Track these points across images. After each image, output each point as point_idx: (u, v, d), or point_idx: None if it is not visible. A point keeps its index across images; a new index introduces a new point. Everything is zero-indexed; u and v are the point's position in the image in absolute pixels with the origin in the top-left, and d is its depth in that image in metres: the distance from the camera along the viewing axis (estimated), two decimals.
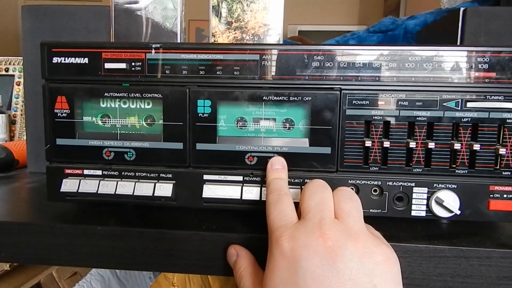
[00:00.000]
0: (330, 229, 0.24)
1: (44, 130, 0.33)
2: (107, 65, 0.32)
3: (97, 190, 0.32)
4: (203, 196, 0.32)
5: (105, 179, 0.33)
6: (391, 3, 2.76)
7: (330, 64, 0.31)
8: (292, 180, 0.32)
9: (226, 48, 0.31)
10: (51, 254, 0.33)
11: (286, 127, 0.32)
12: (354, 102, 0.31)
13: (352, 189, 0.32)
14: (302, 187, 0.31)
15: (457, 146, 0.30)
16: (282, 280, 0.24)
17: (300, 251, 0.24)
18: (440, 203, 0.31)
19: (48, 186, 0.34)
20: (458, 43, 0.43)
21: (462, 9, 0.44)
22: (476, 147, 0.30)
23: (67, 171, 0.33)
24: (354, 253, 0.23)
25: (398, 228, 0.32)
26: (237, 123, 0.32)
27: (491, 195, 0.31)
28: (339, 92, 0.31)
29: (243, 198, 0.32)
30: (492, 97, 0.30)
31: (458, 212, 0.30)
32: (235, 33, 0.35)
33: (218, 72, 0.31)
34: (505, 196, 0.31)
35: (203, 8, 0.35)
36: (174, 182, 0.33)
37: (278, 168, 0.31)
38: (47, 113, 0.33)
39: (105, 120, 0.33)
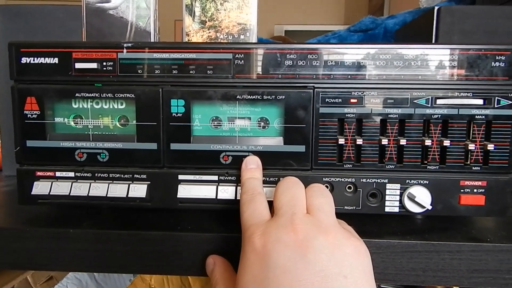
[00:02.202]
0: (301, 223, 0.25)
1: (14, 132, 0.32)
2: (78, 65, 0.31)
3: (70, 193, 0.32)
4: (178, 196, 0.32)
5: (78, 181, 0.32)
6: (375, 3, 2.79)
7: (303, 62, 0.31)
8: (268, 179, 0.32)
9: (199, 47, 0.31)
10: (24, 258, 0.32)
11: (261, 126, 0.32)
12: (327, 100, 0.31)
13: (327, 186, 0.32)
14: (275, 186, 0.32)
15: (428, 142, 0.31)
16: (254, 276, 0.24)
17: (271, 246, 0.24)
18: (412, 198, 0.31)
19: (19, 189, 0.33)
20: (433, 42, 0.44)
21: (436, 8, 0.45)
22: (446, 143, 0.31)
23: (38, 173, 0.33)
24: (325, 245, 0.23)
25: (373, 224, 0.33)
26: (212, 123, 0.32)
27: (462, 190, 0.31)
28: (312, 90, 0.31)
29: (218, 197, 0.32)
30: (461, 94, 0.31)
31: (430, 207, 0.31)
32: (209, 32, 0.35)
33: (191, 72, 0.31)
34: (475, 190, 0.31)
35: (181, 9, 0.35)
36: (149, 183, 0.32)
37: (252, 168, 0.31)
38: (16, 115, 0.32)
39: (77, 121, 0.32)
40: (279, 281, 0.22)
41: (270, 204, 0.28)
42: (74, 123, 0.33)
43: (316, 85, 0.31)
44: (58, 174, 0.33)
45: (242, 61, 0.31)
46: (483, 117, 0.31)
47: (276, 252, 0.23)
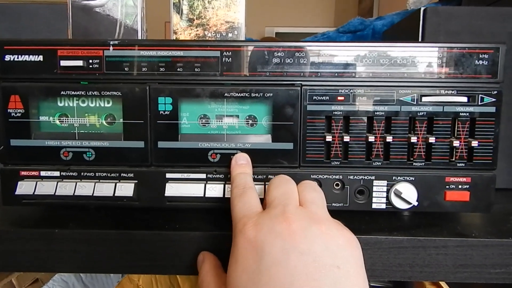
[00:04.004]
0: (294, 214, 0.24)
1: None
2: (63, 63, 0.31)
3: (55, 192, 0.31)
4: (166, 195, 0.32)
5: (63, 180, 0.32)
6: (365, 5, 2.82)
7: (291, 60, 0.31)
8: (256, 176, 0.32)
9: (186, 45, 0.31)
10: (8, 260, 0.32)
11: (249, 124, 0.32)
12: (314, 97, 0.31)
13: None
14: (266, 183, 0.32)
15: (413, 139, 0.31)
16: (246, 267, 0.23)
17: (264, 236, 0.23)
18: (398, 195, 0.31)
19: (3, 190, 0.32)
20: (417, 41, 0.45)
21: (422, 8, 0.46)
22: (432, 140, 0.31)
23: (23, 173, 0.32)
24: (318, 235, 0.23)
25: (360, 221, 0.33)
26: (200, 121, 0.32)
27: (447, 186, 0.32)
28: (299, 88, 0.31)
29: (206, 195, 0.31)
30: (446, 91, 0.31)
31: (416, 204, 0.31)
32: (197, 30, 0.35)
33: (178, 69, 0.31)
34: (460, 187, 0.32)
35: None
36: (136, 181, 0.32)
37: (242, 163, 0.31)
38: (0, 113, 0.31)
39: (63, 119, 0.32)
40: (272, 272, 0.22)
41: (261, 201, 0.28)
42: (60, 121, 0.32)
43: (303, 83, 0.31)
44: (43, 173, 0.32)
45: (230, 58, 0.31)
46: (467, 114, 0.31)
47: (269, 242, 0.23)
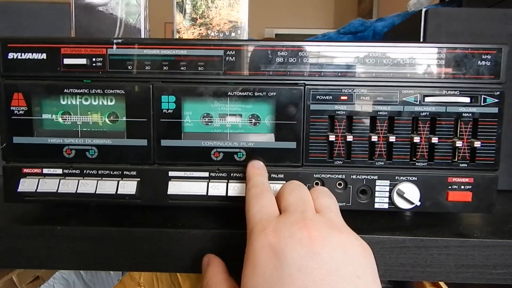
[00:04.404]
0: (313, 220, 0.24)
1: (0, 128, 0.32)
2: (67, 61, 0.31)
3: (57, 190, 0.31)
4: (168, 193, 0.32)
5: (66, 178, 0.32)
6: (364, 7, 2.83)
7: (294, 60, 0.31)
8: None
9: (190, 44, 0.31)
10: (9, 257, 0.32)
11: (252, 123, 0.32)
12: (318, 97, 0.31)
13: (317, 183, 0.32)
14: (269, 182, 0.32)
15: (416, 139, 0.31)
16: (265, 274, 0.22)
17: (285, 243, 0.23)
18: (401, 195, 0.31)
19: (5, 187, 0.32)
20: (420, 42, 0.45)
21: (424, 10, 0.46)
22: (435, 140, 0.31)
23: (25, 170, 0.32)
24: (339, 243, 0.23)
25: (362, 220, 0.33)
26: (203, 119, 0.32)
27: (449, 187, 0.32)
28: (303, 87, 0.31)
29: (209, 194, 0.31)
30: (449, 92, 0.31)
31: (419, 204, 0.31)
32: (200, 30, 0.35)
33: (182, 68, 0.31)
34: (462, 187, 0.32)
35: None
36: (139, 179, 0.32)
37: (260, 167, 0.31)
38: (2, 111, 0.31)
39: (66, 117, 0.32)
40: (294, 279, 0.21)
41: None
42: (62, 119, 0.32)
43: (307, 82, 0.31)
44: (45, 171, 0.32)
45: (234, 58, 0.31)
46: (470, 115, 0.31)
47: (290, 249, 0.22)
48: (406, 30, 0.54)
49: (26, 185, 0.31)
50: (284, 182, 0.32)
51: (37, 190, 0.31)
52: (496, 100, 0.31)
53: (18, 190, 0.31)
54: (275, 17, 3.15)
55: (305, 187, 0.29)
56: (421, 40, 0.45)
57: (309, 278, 0.21)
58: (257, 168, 0.31)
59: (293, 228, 0.23)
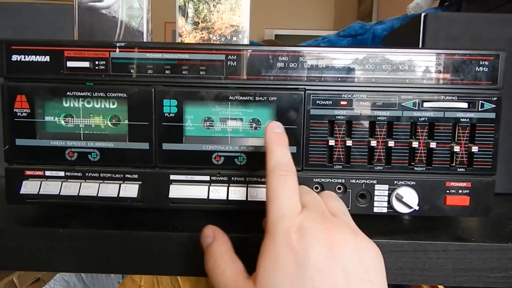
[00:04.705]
0: (335, 223, 0.24)
1: (3, 130, 0.32)
2: (70, 64, 0.31)
3: (60, 192, 0.32)
4: (169, 196, 0.32)
5: (68, 180, 0.32)
6: (364, 9, 2.84)
7: (295, 65, 0.31)
8: (259, 179, 0.32)
9: (192, 48, 0.31)
10: (11, 259, 0.32)
11: (253, 127, 0.32)
12: (318, 102, 0.32)
13: (317, 187, 0.32)
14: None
15: (415, 144, 0.31)
16: (286, 272, 0.22)
17: (309, 244, 0.23)
18: (400, 199, 0.32)
19: (7, 189, 0.32)
20: (420, 47, 0.45)
21: (423, 14, 0.47)
22: (433, 145, 0.31)
23: (28, 172, 0.32)
24: (356, 248, 0.23)
25: (361, 224, 0.33)
26: (204, 123, 0.32)
27: (447, 191, 0.32)
28: (303, 92, 0.32)
29: (210, 197, 0.32)
30: (447, 97, 0.32)
31: (417, 208, 0.32)
32: (202, 34, 0.35)
33: (184, 72, 0.31)
34: (460, 191, 0.32)
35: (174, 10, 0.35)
36: (140, 182, 0.32)
37: (279, 132, 0.27)
38: (5, 113, 0.32)
39: (68, 120, 0.32)
40: (316, 281, 0.22)
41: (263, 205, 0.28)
42: (65, 122, 0.32)
43: (307, 87, 0.32)
44: (47, 173, 0.32)
45: (235, 62, 0.31)
46: (468, 120, 0.32)
47: (313, 251, 0.23)
48: (405, 34, 0.54)
49: (29, 187, 0.32)
50: None
51: (39, 192, 0.32)
52: (494, 106, 0.32)
53: (21, 192, 0.32)
54: (275, 18, 3.15)
55: (314, 191, 0.29)
56: (420, 44, 0.46)
57: (329, 280, 0.22)
58: (277, 134, 0.27)
59: (316, 229, 0.23)
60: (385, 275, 0.24)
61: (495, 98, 0.31)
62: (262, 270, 0.23)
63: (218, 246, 0.27)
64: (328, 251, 0.23)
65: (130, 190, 0.32)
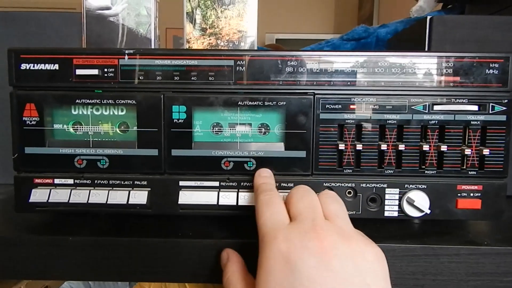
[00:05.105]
0: (324, 229, 0.24)
1: (12, 138, 0.32)
2: (79, 71, 0.31)
3: (69, 200, 0.31)
4: (179, 202, 0.32)
5: (77, 188, 0.32)
6: (364, 12, 2.85)
7: (303, 69, 0.31)
8: None
9: (201, 54, 0.31)
10: (20, 267, 0.32)
11: (262, 132, 0.32)
12: (327, 106, 0.32)
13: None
14: (279, 191, 0.32)
15: (425, 147, 0.31)
16: (278, 282, 0.23)
17: (297, 252, 0.23)
18: (411, 203, 0.32)
19: (16, 197, 0.32)
20: (426, 50, 0.45)
21: (428, 17, 0.47)
22: (443, 148, 0.31)
23: (37, 180, 0.32)
24: (348, 253, 0.23)
25: (372, 229, 0.33)
26: (213, 129, 0.32)
27: (459, 194, 0.32)
28: (312, 96, 0.31)
29: (219, 203, 0.32)
30: (457, 100, 0.32)
31: (428, 212, 0.31)
32: (210, 39, 0.35)
33: (193, 78, 0.31)
34: (471, 195, 0.32)
35: (180, 16, 0.35)
36: (149, 189, 0.32)
37: (266, 176, 0.31)
38: (14, 121, 0.32)
39: (77, 127, 0.32)
40: None
41: None
42: (74, 129, 0.32)
43: (316, 92, 0.31)
44: (56, 181, 0.32)
45: (244, 67, 0.31)
46: (478, 122, 0.31)
47: (302, 259, 0.23)
48: (410, 37, 0.54)
49: (38, 195, 0.32)
50: None
51: (49, 200, 0.31)
52: (504, 108, 0.31)
53: (30, 200, 0.32)
54: (276, 22, 3.17)
55: (313, 192, 0.29)
56: (426, 47, 0.46)
57: (320, 286, 0.22)
58: (263, 177, 0.31)
59: (304, 237, 0.24)
60: (386, 276, 0.24)
61: (506, 101, 0.31)
62: (258, 283, 0.24)
63: (231, 265, 0.29)
64: (317, 259, 0.23)
65: (139, 197, 0.32)
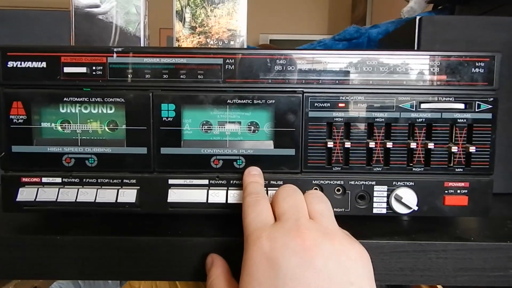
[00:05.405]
0: (307, 228, 0.24)
1: None
2: (67, 69, 0.31)
3: (57, 199, 0.31)
4: (168, 201, 0.32)
5: (65, 186, 0.32)
6: (358, 13, 2.86)
7: (292, 68, 0.31)
8: None
9: (190, 52, 0.31)
10: (9, 267, 0.31)
11: (251, 130, 0.32)
12: (316, 104, 0.32)
13: (316, 189, 0.32)
14: (268, 188, 0.32)
15: (413, 145, 0.32)
16: (261, 282, 0.23)
17: (279, 251, 0.23)
18: (399, 200, 0.32)
19: (3, 196, 0.32)
20: (415, 50, 0.46)
21: (418, 18, 0.47)
22: (431, 146, 0.32)
23: (24, 179, 0.32)
24: (332, 252, 0.24)
25: (361, 226, 0.33)
26: (202, 127, 0.32)
27: (446, 191, 0.32)
28: (301, 95, 0.32)
29: (209, 201, 0.32)
30: (444, 98, 0.32)
31: (416, 208, 0.32)
32: (199, 38, 0.35)
33: (181, 76, 0.31)
34: (458, 191, 0.32)
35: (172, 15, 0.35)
36: (138, 187, 0.32)
37: (255, 174, 0.31)
38: (1, 120, 0.31)
39: (65, 126, 0.32)
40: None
41: None
42: (62, 128, 0.32)
43: (305, 90, 0.32)
44: (44, 180, 0.32)
45: (233, 66, 0.31)
46: (465, 120, 0.32)
47: (284, 258, 0.23)
48: (400, 37, 0.55)
49: (25, 194, 0.31)
50: None
51: (36, 199, 0.31)
52: (490, 106, 0.32)
53: (17, 199, 0.31)
54: (270, 23, 3.17)
55: (299, 191, 0.29)
56: (416, 47, 0.46)
57: (303, 285, 0.22)
58: (253, 175, 0.31)
59: (287, 237, 0.24)
60: (370, 274, 0.24)
61: (492, 99, 0.32)
62: (242, 282, 0.24)
63: (215, 270, 0.29)
64: (300, 258, 0.23)
65: (128, 195, 0.32)
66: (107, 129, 0.32)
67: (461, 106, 0.32)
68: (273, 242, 0.24)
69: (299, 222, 0.25)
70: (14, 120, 0.32)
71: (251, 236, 0.25)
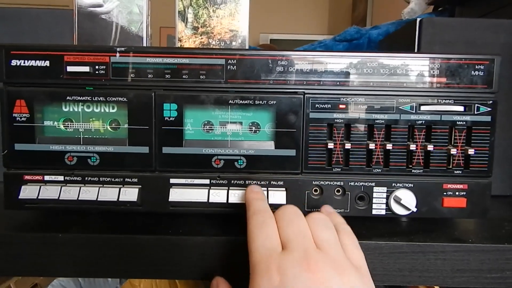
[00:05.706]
0: (316, 260, 0.24)
1: (2, 135, 0.32)
2: (70, 68, 0.31)
3: (59, 197, 0.31)
4: (169, 200, 0.32)
5: (67, 184, 0.32)
6: (358, 14, 2.86)
7: (294, 69, 0.32)
8: (258, 182, 0.33)
9: (192, 52, 0.32)
10: (8, 265, 0.32)
11: (252, 130, 0.33)
12: (317, 105, 0.32)
13: (316, 190, 0.33)
14: (269, 189, 0.32)
15: (412, 147, 0.32)
16: None
17: (290, 284, 0.23)
18: (398, 201, 0.32)
19: (6, 194, 0.32)
20: (416, 51, 0.46)
21: (418, 19, 0.47)
22: (430, 148, 0.32)
23: (26, 177, 0.32)
24: (340, 285, 0.24)
25: (361, 226, 0.34)
26: (204, 127, 0.32)
27: (445, 193, 0.33)
28: (302, 96, 0.32)
29: (210, 201, 0.32)
30: (443, 101, 0.32)
31: (415, 210, 0.32)
32: (202, 38, 0.35)
33: (184, 76, 0.32)
34: (457, 193, 0.33)
35: (174, 15, 0.36)
36: (140, 186, 0.32)
37: (258, 191, 0.31)
38: (4, 118, 0.32)
39: (67, 124, 0.32)
40: None
41: None
42: (64, 126, 0.32)
43: (306, 91, 0.32)
44: (46, 178, 0.32)
45: (235, 66, 0.31)
46: (464, 123, 0.32)
47: None
48: (400, 39, 0.55)
49: (27, 192, 0.32)
50: (284, 189, 0.32)
51: (38, 197, 0.31)
52: (489, 109, 0.32)
53: (19, 197, 0.32)
54: (270, 23, 3.17)
55: (302, 215, 0.28)
56: (416, 48, 0.46)
57: None
58: (255, 192, 0.31)
59: (297, 269, 0.24)
60: None
61: (491, 102, 0.32)
62: None
63: None
64: None
65: (130, 194, 0.32)
66: (109, 128, 0.32)
67: (461, 108, 0.32)
68: (283, 275, 0.24)
69: (308, 252, 0.25)
70: (17, 118, 0.32)
71: (259, 265, 0.25)
